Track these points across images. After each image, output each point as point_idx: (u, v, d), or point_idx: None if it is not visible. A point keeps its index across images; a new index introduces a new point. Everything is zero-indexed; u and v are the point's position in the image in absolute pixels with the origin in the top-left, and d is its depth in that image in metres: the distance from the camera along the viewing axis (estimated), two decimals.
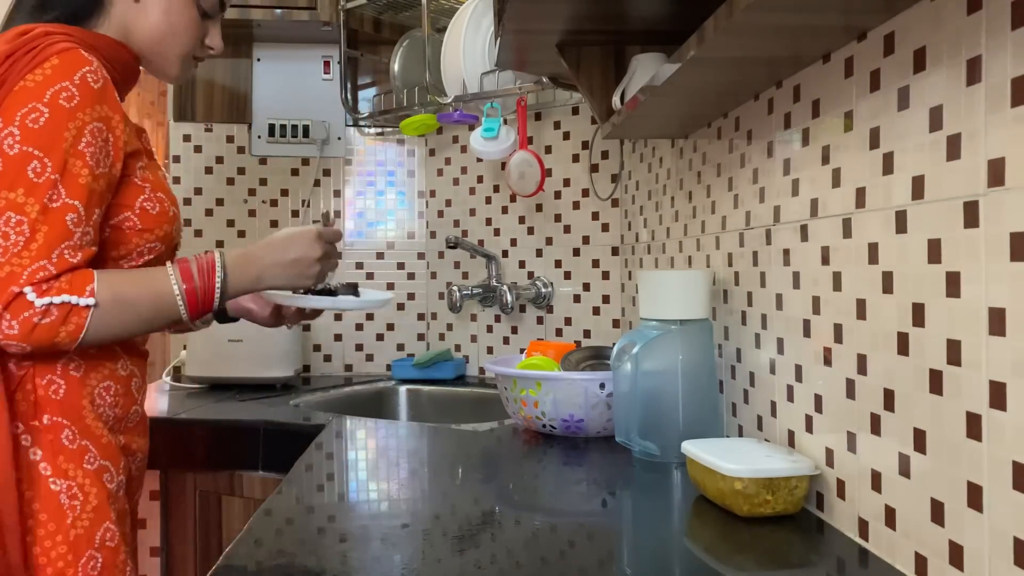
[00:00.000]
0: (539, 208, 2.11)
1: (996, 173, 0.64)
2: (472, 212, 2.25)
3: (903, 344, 0.77)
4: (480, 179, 2.24)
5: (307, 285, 1.23)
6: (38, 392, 1.04)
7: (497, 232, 2.19)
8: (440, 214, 2.33)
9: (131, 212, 1.10)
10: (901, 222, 0.77)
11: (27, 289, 0.98)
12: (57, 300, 0.99)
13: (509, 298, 2.03)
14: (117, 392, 1.13)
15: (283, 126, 2.33)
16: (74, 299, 1.00)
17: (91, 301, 1.01)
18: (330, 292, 1.32)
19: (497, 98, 1.88)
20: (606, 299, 2.00)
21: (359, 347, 2.36)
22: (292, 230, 1.22)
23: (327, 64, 2.35)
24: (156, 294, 1.08)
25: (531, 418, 1.43)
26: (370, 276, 2.36)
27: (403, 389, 2.18)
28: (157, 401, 1.94)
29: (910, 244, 0.76)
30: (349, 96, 2.27)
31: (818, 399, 0.95)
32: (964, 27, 0.67)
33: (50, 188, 1.00)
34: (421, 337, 2.37)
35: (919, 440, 0.75)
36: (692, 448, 1.03)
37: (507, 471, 1.20)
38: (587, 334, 2.02)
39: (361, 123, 2.34)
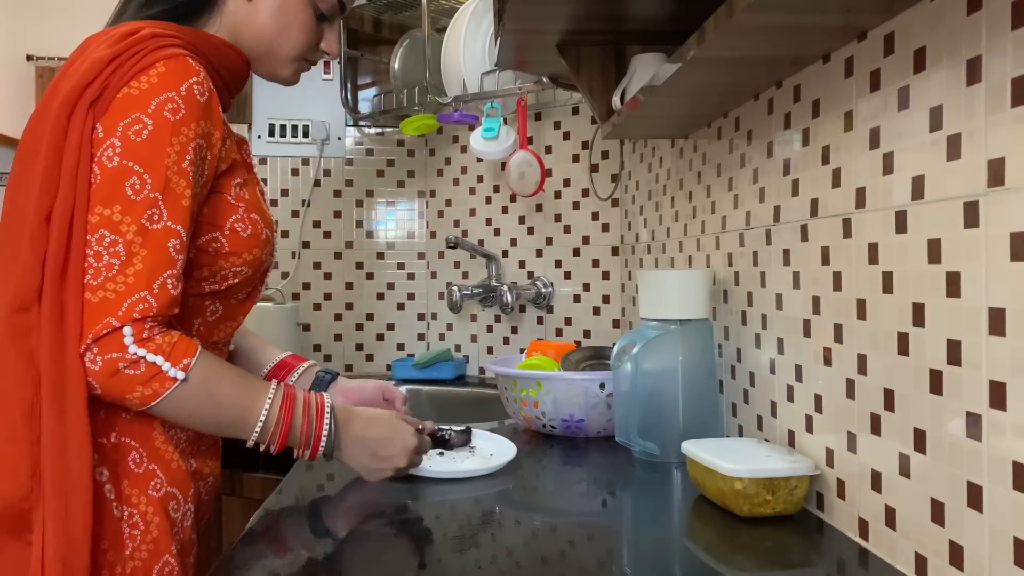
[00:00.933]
0: (539, 208, 2.11)
1: (996, 173, 0.64)
2: (472, 212, 2.25)
3: (903, 344, 0.77)
4: (480, 179, 2.24)
5: (374, 479, 1.10)
6: (108, 407, 0.92)
7: (497, 232, 2.19)
8: (440, 214, 2.33)
9: (220, 232, 0.99)
10: (901, 222, 0.77)
11: (126, 329, 0.88)
12: (150, 358, 0.89)
13: (509, 298, 2.03)
14: None
15: (283, 126, 2.33)
16: (166, 366, 0.90)
17: (181, 375, 0.91)
18: (443, 440, 1.23)
19: (497, 98, 1.88)
20: (606, 299, 2.00)
21: (359, 347, 2.36)
22: (396, 423, 1.10)
23: (327, 64, 2.34)
24: (243, 408, 0.98)
25: (531, 418, 1.43)
26: (370, 276, 2.36)
27: (403, 389, 2.18)
28: None
29: (910, 244, 0.75)
30: (349, 96, 2.27)
31: (818, 399, 0.95)
32: (964, 27, 0.67)
33: (149, 207, 0.90)
34: (421, 337, 2.37)
35: (919, 440, 0.75)
36: (692, 448, 1.03)
37: (507, 471, 1.20)
38: (587, 334, 2.02)
39: (361, 123, 2.34)
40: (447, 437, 1.23)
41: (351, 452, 1.05)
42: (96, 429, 0.91)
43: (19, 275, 0.89)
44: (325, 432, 1.02)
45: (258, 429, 0.98)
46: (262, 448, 1.01)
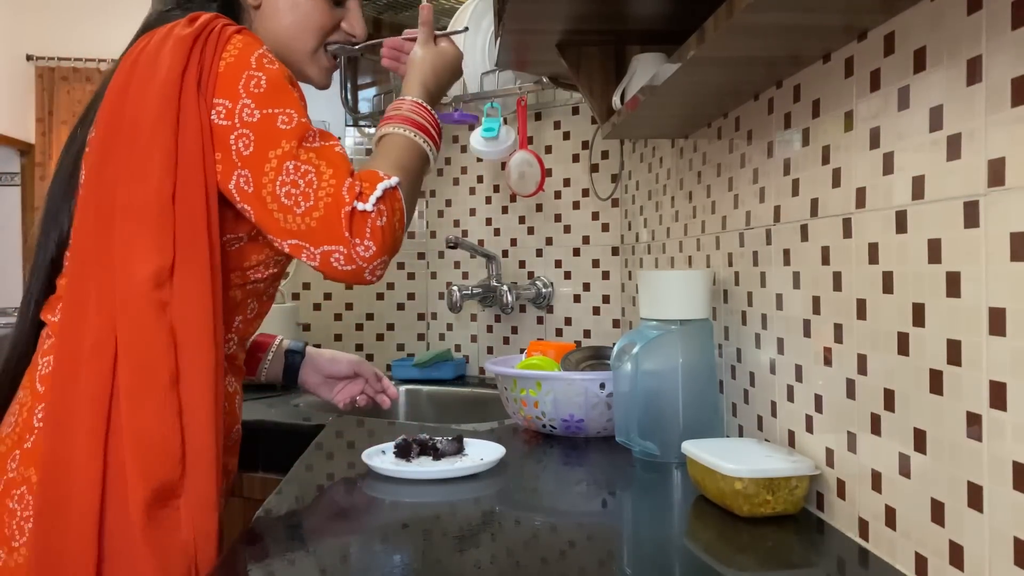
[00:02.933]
0: (539, 208, 2.11)
1: (996, 173, 0.64)
2: (472, 212, 2.25)
3: (903, 344, 0.77)
4: (480, 179, 2.24)
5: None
6: None
7: (497, 232, 2.19)
8: (440, 214, 2.33)
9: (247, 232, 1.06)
10: (901, 222, 0.77)
11: (356, 204, 0.97)
12: (378, 193, 0.99)
13: (509, 298, 2.03)
14: (224, 411, 1.03)
15: None
16: (385, 183, 1.00)
17: (395, 180, 1.02)
18: (435, 449, 1.22)
19: (497, 98, 1.88)
20: (606, 299, 2.00)
21: (359, 347, 2.36)
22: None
23: None
24: (410, 147, 1.09)
25: (531, 418, 1.43)
26: None
27: (403, 389, 2.18)
28: None
29: (910, 244, 0.76)
30: (349, 96, 2.27)
31: (818, 399, 0.95)
32: (964, 27, 0.67)
33: (305, 130, 1.00)
34: (421, 337, 2.37)
35: (919, 440, 0.75)
36: (692, 448, 1.03)
37: (507, 471, 1.20)
38: (587, 334, 2.02)
39: (361, 123, 2.34)
40: (438, 447, 1.22)
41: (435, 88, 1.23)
42: None
43: (155, 252, 0.95)
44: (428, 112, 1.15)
45: (427, 145, 1.12)
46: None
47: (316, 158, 0.98)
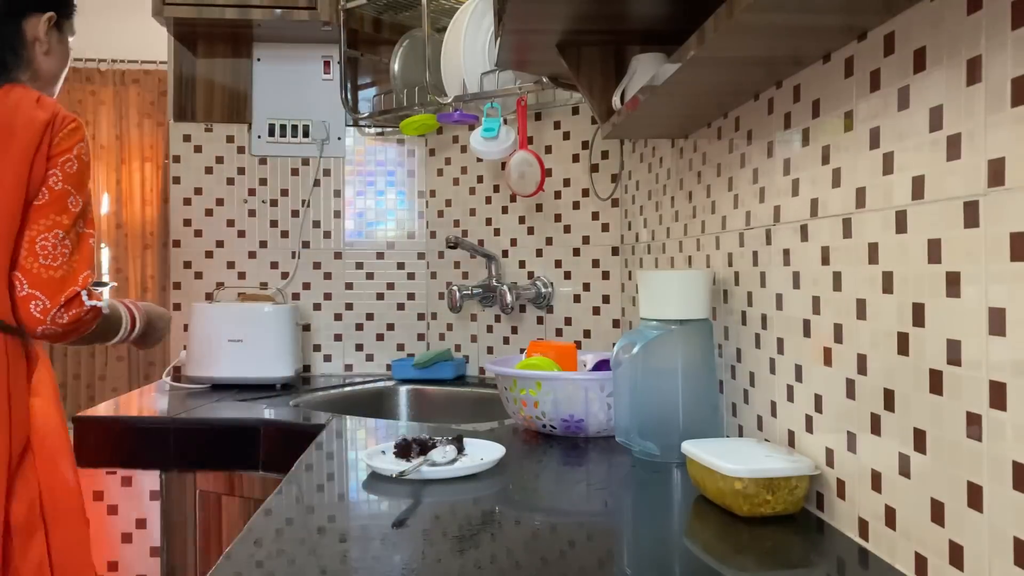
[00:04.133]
0: (539, 208, 2.11)
1: (996, 173, 0.64)
2: (472, 212, 2.25)
3: (903, 344, 0.77)
4: (480, 179, 2.24)
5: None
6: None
7: (497, 232, 2.19)
8: (440, 214, 2.33)
9: None
10: (901, 222, 0.77)
11: (83, 293, 1.43)
12: (96, 304, 1.45)
13: (509, 298, 2.03)
14: None
15: (283, 126, 2.33)
16: (103, 306, 1.47)
17: (105, 308, 1.49)
18: (434, 449, 1.22)
19: (497, 98, 1.88)
20: (606, 299, 2.00)
21: (359, 347, 2.36)
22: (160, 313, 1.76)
23: (327, 64, 2.35)
24: (118, 317, 1.60)
25: (531, 418, 1.43)
26: (370, 276, 2.36)
27: (403, 389, 2.18)
28: (157, 401, 1.94)
29: (910, 244, 0.75)
30: (349, 96, 2.27)
31: (818, 399, 0.95)
32: (964, 27, 0.67)
33: (83, 216, 1.46)
34: (421, 337, 2.37)
35: (919, 440, 0.75)
36: (692, 448, 1.03)
37: (507, 471, 1.20)
38: (587, 334, 2.02)
39: (361, 123, 2.34)
40: (437, 447, 1.22)
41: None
42: None
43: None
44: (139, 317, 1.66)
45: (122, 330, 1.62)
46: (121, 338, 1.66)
47: (76, 240, 1.45)
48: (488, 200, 2.22)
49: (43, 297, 1.40)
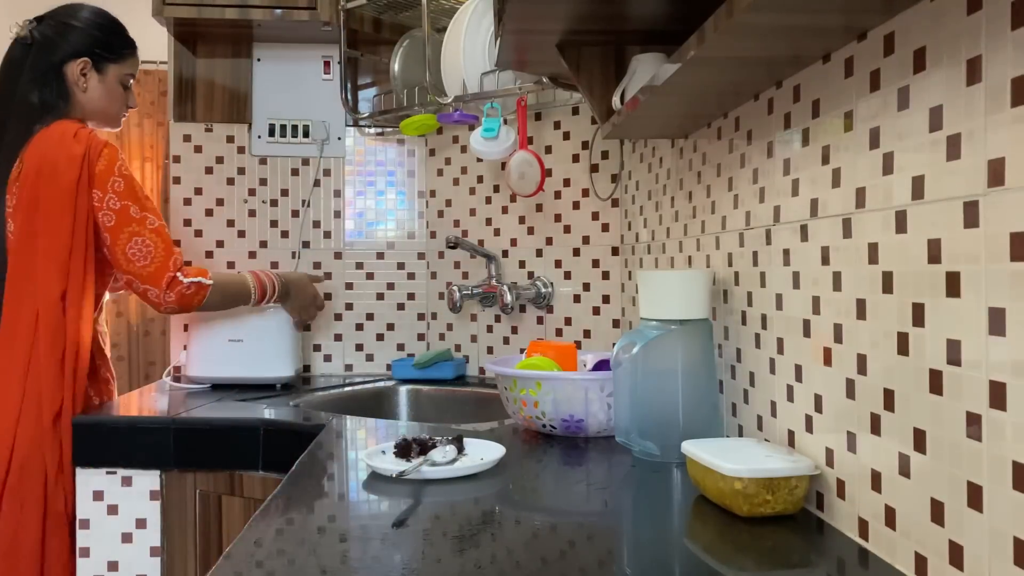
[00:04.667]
0: (539, 208, 2.11)
1: (996, 173, 0.64)
2: (472, 212, 2.25)
3: (903, 344, 0.77)
4: (480, 179, 2.24)
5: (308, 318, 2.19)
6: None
7: (497, 232, 2.19)
8: (440, 214, 2.33)
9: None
10: (901, 222, 0.77)
11: (178, 274, 1.81)
12: (194, 280, 1.84)
13: (509, 298, 2.03)
14: (98, 354, 1.93)
15: (283, 126, 2.33)
16: (204, 280, 1.86)
17: (211, 282, 1.87)
18: (434, 449, 1.22)
19: (497, 98, 1.88)
20: (606, 299, 2.00)
21: (359, 347, 2.36)
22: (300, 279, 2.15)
23: (327, 64, 2.35)
24: (240, 285, 1.99)
25: (531, 418, 1.43)
26: (370, 276, 2.36)
27: (403, 389, 2.18)
28: (157, 401, 1.94)
29: (910, 244, 0.76)
30: (349, 96, 2.27)
31: (818, 399, 0.95)
32: (964, 27, 0.67)
33: (146, 219, 1.80)
34: (421, 337, 2.37)
35: (919, 440, 0.75)
36: (692, 448, 1.03)
37: (507, 471, 1.20)
38: (587, 334, 2.02)
39: (361, 123, 2.34)
40: (437, 447, 1.22)
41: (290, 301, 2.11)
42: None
43: (60, 280, 1.75)
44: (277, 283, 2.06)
45: (252, 294, 2.00)
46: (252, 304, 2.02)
47: (154, 236, 1.80)
48: (488, 200, 2.22)
49: (152, 287, 1.79)
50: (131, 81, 1.96)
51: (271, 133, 2.32)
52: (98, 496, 1.69)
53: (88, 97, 1.86)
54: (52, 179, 1.73)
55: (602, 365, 1.56)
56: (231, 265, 2.31)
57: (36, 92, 1.81)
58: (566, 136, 2.05)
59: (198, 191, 2.31)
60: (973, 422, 0.67)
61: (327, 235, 2.36)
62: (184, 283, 1.80)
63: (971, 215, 0.67)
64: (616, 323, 1.99)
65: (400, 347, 2.37)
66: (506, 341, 2.18)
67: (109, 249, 1.78)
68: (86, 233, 1.75)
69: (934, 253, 0.72)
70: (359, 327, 2.36)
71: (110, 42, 1.88)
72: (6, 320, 1.74)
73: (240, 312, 2.11)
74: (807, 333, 0.97)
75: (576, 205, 2.05)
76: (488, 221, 2.21)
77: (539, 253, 2.11)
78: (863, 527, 0.86)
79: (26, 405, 1.69)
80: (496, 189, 2.20)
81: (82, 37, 1.85)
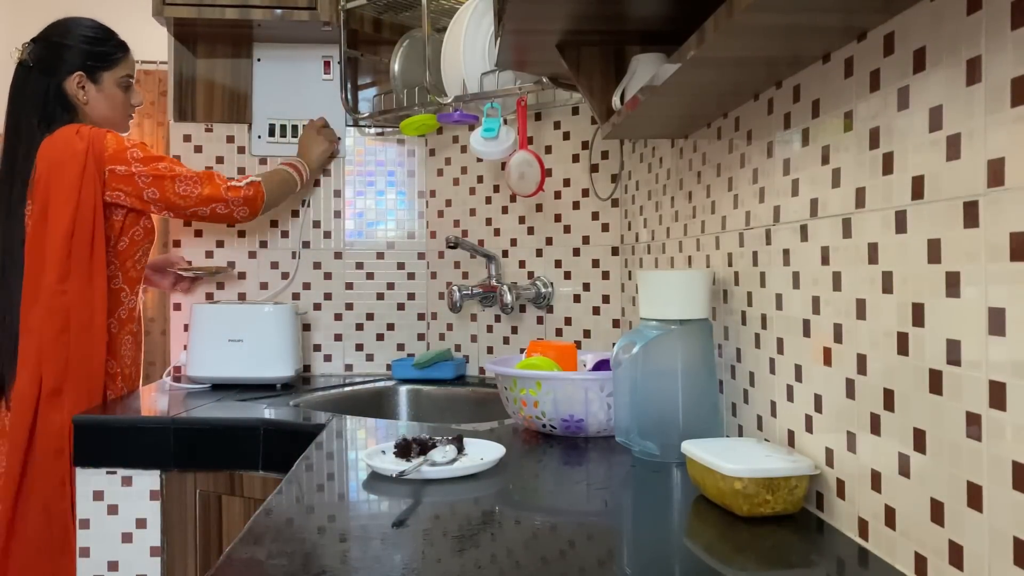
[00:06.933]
0: (539, 208, 2.11)
1: (996, 173, 0.64)
2: (472, 212, 2.25)
3: (903, 344, 0.77)
4: (480, 179, 2.24)
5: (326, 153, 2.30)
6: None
7: (497, 232, 2.19)
8: (440, 214, 2.33)
9: (139, 227, 2.03)
10: (901, 222, 0.77)
11: (228, 185, 2.00)
12: (244, 183, 2.03)
13: (509, 298, 2.03)
14: (132, 341, 2.05)
15: (283, 126, 2.33)
16: (253, 178, 2.06)
17: (259, 178, 2.07)
18: (434, 448, 1.22)
19: (497, 98, 1.88)
20: (606, 299, 2.00)
21: (359, 347, 2.36)
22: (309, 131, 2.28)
23: (327, 64, 2.35)
24: (285, 174, 2.16)
25: (531, 418, 1.43)
26: (370, 276, 2.36)
27: (403, 389, 2.18)
28: (157, 401, 1.94)
29: (910, 244, 0.76)
30: (349, 96, 2.27)
31: (818, 399, 0.95)
32: (964, 27, 0.67)
33: (173, 171, 1.97)
34: (421, 337, 2.37)
35: (919, 440, 0.75)
36: (692, 448, 1.03)
37: (507, 471, 1.20)
38: (587, 334, 2.02)
39: (361, 123, 2.34)
40: (437, 447, 1.22)
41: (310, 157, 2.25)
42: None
43: (59, 264, 1.86)
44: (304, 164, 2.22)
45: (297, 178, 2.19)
46: (303, 184, 2.23)
47: (189, 175, 1.97)
48: (488, 200, 2.22)
49: (216, 203, 1.98)
50: (130, 81, 2.03)
51: (271, 133, 2.32)
52: (98, 496, 1.69)
53: (91, 107, 1.97)
54: (59, 176, 1.85)
55: (602, 365, 1.56)
56: (231, 265, 2.32)
57: (38, 113, 1.93)
58: (566, 136, 2.05)
59: None
60: (973, 422, 0.67)
61: (327, 235, 2.36)
62: (241, 189, 1.99)
63: (971, 215, 0.67)
64: (616, 323, 1.99)
65: (400, 347, 2.37)
66: (506, 341, 2.18)
67: (160, 204, 1.94)
68: (93, 220, 1.86)
69: (934, 253, 0.72)
70: (359, 327, 2.36)
71: (99, 51, 1.97)
72: (23, 315, 1.85)
73: (240, 312, 2.12)
74: (807, 333, 0.97)
75: (576, 205, 2.05)
76: (488, 221, 2.21)
77: (539, 253, 2.11)
78: (863, 527, 0.86)
79: (40, 393, 1.82)
80: (496, 189, 2.20)
81: (72, 53, 1.95)
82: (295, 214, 2.34)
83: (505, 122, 1.92)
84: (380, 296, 2.37)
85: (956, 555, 0.70)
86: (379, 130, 2.36)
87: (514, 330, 2.17)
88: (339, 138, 2.31)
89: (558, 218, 2.08)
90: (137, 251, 2.00)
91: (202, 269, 2.26)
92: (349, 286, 2.36)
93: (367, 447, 1.41)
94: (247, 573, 0.82)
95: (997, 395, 0.64)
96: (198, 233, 2.31)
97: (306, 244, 2.35)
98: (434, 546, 0.89)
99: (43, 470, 1.79)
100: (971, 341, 0.67)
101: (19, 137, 1.93)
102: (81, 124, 1.91)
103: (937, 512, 0.72)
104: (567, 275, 2.07)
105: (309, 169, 2.20)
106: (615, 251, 1.99)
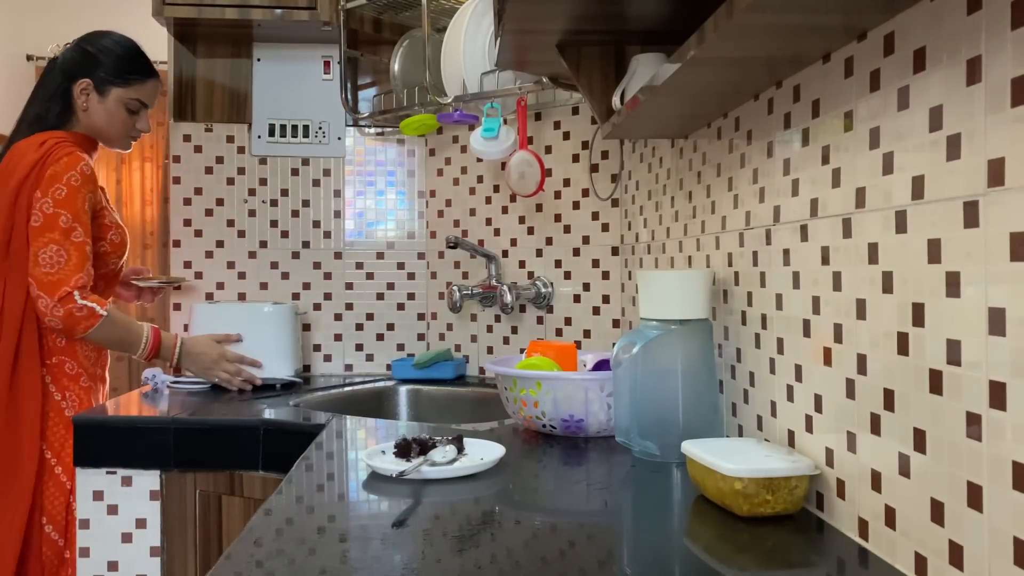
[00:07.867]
0: (539, 208, 2.11)
1: (996, 173, 0.64)
2: (472, 212, 2.25)
3: (903, 344, 0.77)
4: (480, 179, 2.24)
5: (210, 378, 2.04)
6: (51, 342, 1.88)
7: (497, 232, 2.19)
8: (440, 214, 2.33)
9: (105, 242, 1.94)
10: (901, 222, 0.77)
11: (75, 292, 1.77)
12: (88, 304, 1.79)
13: (509, 298, 2.03)
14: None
15: (283, 126, 2.33)
16: (98, 308, 1.80)
17: (105, 312, 1.82)
18: (433, 448, 1.22)
19: (497, 98, 1.88)
20: (606, 299, 2.00)
21: (359, 347, 2.36)
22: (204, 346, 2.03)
23: (327, 64, 2.35)
24: (134, 333, 1.91)
25: (531, 418, 1.43)
26: (370, 276, 2.36)
27: (403, 389, 2.18)
28: (157, 401, 1.94)
29: (910, 244, 0.76)
30: (349, 96, 2.27)
31: (818, 399, 0.95)
32: (964, 27, 0.67)
33: (72, 231, 1.80)
34: (421, 337, 2.37)
35: (919, 440, 0.75)
36: (692, 448, 1.03)
37: (507, 471, 1.20)
38: (587, 334, 2.02)
39: (361, 123, 2.34)
40: (437, 447, 1.22)
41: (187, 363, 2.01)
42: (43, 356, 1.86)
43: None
44: (177, 347, 1.98)
45: (142, 345, 1.91)
46: (139, 356, 1.94)
47: (70, 248, 1.79)
48: (488, 200, 2.22)
49: (44, 296, 1.77)
50: (141, 107, 1.99)
51: (271, 133, 2.32)
52: (98, 496, 1.69)
53: (88, 115, 1.95)
54: (5, 182, 1.84)
55: (602, 365, 1.56)
56: (231, 265, 2.32)
57: (38, 108, 1.94)
58: (566, 136, 2.05)
59: (198, 191, 2.31)
60: (973, 422, 0.67)
61: (327, 235, 2.36)
62: (77, 303, 1.76)
63: (971, 215, 0.67)
64: (616, 323, 1.99)
65: (400, 347, 2.37)
66: (506, 341, 2.18)
67: (19, 243, 1.82)
68: (26, 229, 1.81)
69: (934, 253, 0.72)
70: (359, 327, 2.36)
71: (117, 67, 1.95)
72: None
73: (240, 312, 2.12)
74: (807, 333, 0.97)
75: (576, 205, 2.05)
76: (488, 221, 2.21)
77: (539, 253, 2.11)
78: (863, 527, 0.86)
79: None
80: (496, 189, 2.20)
81: (89, 60, 1.95)
82: (295, 214, 2.34)
83: (505, 122, 1.92)
84: (380, 296, 2.36)
85: (956, 555, 0.70)
86: (379, 130, 2.36)
87: (514, 330, 2.17)
88: (233, 360, 2.05)
89: (558, 218, 2.08)
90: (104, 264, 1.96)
91: (164, 279, 2.24)
92: (349, 286, 2.36)
93: (367, 447, 1.41)
94: (247, 573, 0.82)
95: (997, 395, 0.64)
96: (198, 233, 2.31)
97: (306, 244, 2.35)
98: (434, 546, 0.89)
99: None
100: (971, 341, 0.67)
101: (19, 128, 1.95)
102: (53, 133, 1.89)
103: (937, 512, 0.72)
104: (567, 275, 2.07)
105: (175, 362, 1.99)
106: (615, 251, 1.99)
